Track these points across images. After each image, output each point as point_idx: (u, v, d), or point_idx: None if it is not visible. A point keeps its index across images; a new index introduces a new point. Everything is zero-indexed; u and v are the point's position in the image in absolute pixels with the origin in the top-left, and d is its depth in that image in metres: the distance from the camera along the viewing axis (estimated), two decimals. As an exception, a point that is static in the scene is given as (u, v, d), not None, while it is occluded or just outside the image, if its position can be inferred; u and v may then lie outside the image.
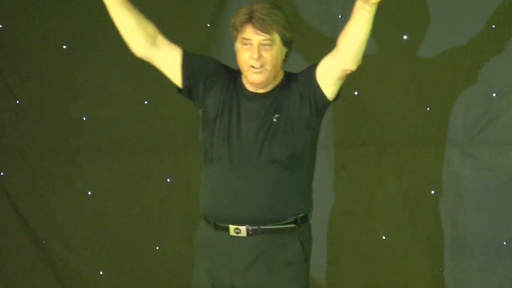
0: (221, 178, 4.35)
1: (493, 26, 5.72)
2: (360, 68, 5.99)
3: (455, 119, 5.84)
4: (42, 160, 6.25)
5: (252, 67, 4.30)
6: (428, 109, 5.80)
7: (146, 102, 6.09)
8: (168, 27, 5.77)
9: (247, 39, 4.29)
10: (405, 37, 5.79)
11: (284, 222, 4.33)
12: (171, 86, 5.67)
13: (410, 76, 5.86)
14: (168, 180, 6.16)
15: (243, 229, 4.27)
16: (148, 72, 6.01)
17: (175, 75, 4.42)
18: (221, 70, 4.47)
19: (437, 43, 5.80)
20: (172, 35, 5.36)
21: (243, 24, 4.29)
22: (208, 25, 5.97)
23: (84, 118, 6.14)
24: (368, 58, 5.77)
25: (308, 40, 6.21)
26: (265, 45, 4.28)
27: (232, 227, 4.28)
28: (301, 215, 4.34)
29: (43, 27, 6.20)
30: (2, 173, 6.22)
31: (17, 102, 6.19)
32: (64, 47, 6.10)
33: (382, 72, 5.88)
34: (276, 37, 4.28)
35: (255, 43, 4.28)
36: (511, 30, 5.81)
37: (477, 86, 5.76)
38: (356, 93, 5.85)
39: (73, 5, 6.19)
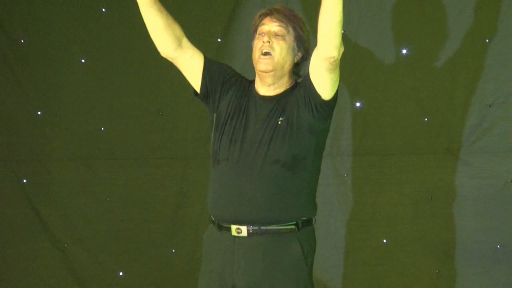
0: (227, 178, 4.36)
1: (487, 40, 5.78)
2: (362, 81, 6.06)
3: (452, 129, 5.87)
4: (61, 168, 6.33)
5: (262, 54, 4.33)
6: (426, 119, 5.85)
7: (160, 113, 6.18)
8: None
9: (263, 24, 4.36)
10: (404, 51, 5.87)
11: (284, 224, 4.33)
12: (183, 98, 5.88)
13: (409, 89, 5.92)
14: (182, 187, 6.21)
15: (244, 229, 4.28)
16: (161, 85, 6.34)
17: (196, 79, 4.44)
18: (236, 77, 4.50)
19: (435, 57, 5.86)
20: None
21: (262, 17, 4.38)
22: (219, 40, 6.07)
23: (102, 129, 6.24)
24: (369, 71, 6.03)
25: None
26: (278, 34, 4.32)
27: (233, 227, 4.29)
28: (303, 218, 4.34)
29: (62, 42, 6.29)
30: (24, 181, 6.31)
31: (38, 113, 6.30)
32: (83, 61, 6.22)
33: (383, 84, 5.94)
34: (290, 30, 4.34)
35: (269, 29, 4.36)
36: (504, 44, 5.82)
37: (473, 98, 5.81)
38: (358, 104, 5.91)
39: (90, 21, 6.29)
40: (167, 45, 4.34)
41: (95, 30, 6.33)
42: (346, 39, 6.19)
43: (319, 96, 4.29)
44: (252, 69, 4.39)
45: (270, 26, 4.29)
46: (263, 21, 4.33)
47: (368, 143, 5.94)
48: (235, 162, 4.33)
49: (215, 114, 4.48)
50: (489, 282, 5.92)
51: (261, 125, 4.34)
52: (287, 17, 4.32)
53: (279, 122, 4.30)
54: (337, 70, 4.40)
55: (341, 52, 4.30)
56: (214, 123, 4.49)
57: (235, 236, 4.27)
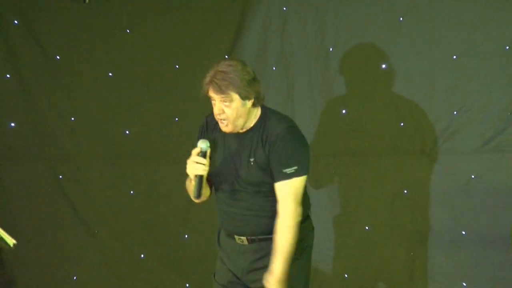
0: (221, 204, 4.79)
1: (454, 57, 6.09)
2: (348, 91, 6.27)
3: (425, 133, 6.21)
4: (92, 166, 6.67)
5: (220, 120, 4.61)
6: (402, 124, 6.19)
7: (176, 119, 6.51)
8: (192, 57, 6.44)
9: (210, 96, 4.61)
10: (383, 66, 6.21)
11: (271, 234, 4.66)
12: (195, 107, 6.11)
13: (388, 98, 6.24)
14: None
15: (244, 239, 4.71)
16: (176, 95, 6.59)
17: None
18: (204, 123, 4.88)
19: (410, 71, 6.21)
20: (195, 64, 6.31)
21: (207, 85, 4.61)
22: (226, 56, 6.38)
23: (127, 132, 6.56)
24: (354, 83, 6.33)
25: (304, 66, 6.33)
26: (224, 101, 4.57)
27: (236, 237, 4.73)
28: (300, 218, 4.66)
29: (92, 58, 6.60)
30: (60, 176, 6.63)
31: (72, 119, 6.62)
32: (110, 74, 6.55)
33: (365, 95, 6.26)
34: (234, 95, 4.58)
35: (217, 101, 4.59)
36: (469, 61, 6.13)
37: (442, 106, 6.16)
38: (344, 111, 6.22)
39: (117, 40, 6.58)
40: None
41: (120, 48, 6.58)
42: (334, 55, 6.42)
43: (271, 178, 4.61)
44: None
45: (215, 98, 4.59)
46: (209, 90, 4.62)
47: (353, 145, 6.23)
48: (224, 192, 4.75)
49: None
50: (456, 263, 6.22)
51: (235, 160, 4.70)
52: (225, 87, 4.57)
53: (252, 163, 4.63)
54: None
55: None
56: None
57: (238, 244, 4.74)
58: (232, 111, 4.61)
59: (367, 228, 6.26)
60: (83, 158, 6.72)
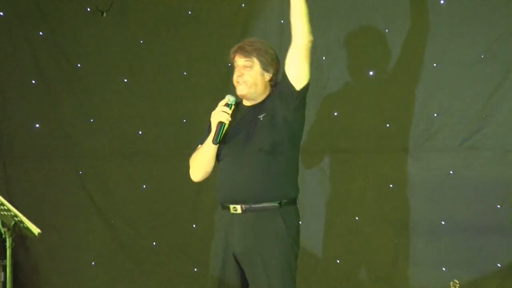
0: (225, 169, 4.72)
1: (435, 64, 6.21)
2: (339, 96, 6.34)
3: (407, 133, 6.31)
4: (109, 162, 6.88)
5: (238, 82, 4.70)
6: (388, 125, 6.32)
7: (184, 120, 6.71)
8: (199, 65, 6.68)
9: (235, 61, 4.74)
10: (371, 73, 6.34)
11: (269, 202, 4.61)
12: (201, 110, 6.08)
13: (375, 102, 6.37)
14: None
15: (238, 207, 4.62)
16: (185, 99, 6.79)
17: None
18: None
19: (394, 78, 6.34)
20: (202, 72, 6.63)
21: (233, 54, 4.75)
22: (229, 65, 5.92)
23: (140, 132, 6.79)
24: (344, 88, 6.44)
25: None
26: (246, 66, 4.68)
27: (231, 206, 4.65)
28: (285, 200, 4.65)
29: (109, 66, 6.83)
30: (80, 172, 6.87)
31: (91, 120, 6.86)
32: (125, 80, 6.80)
33: (354, 98, 6.40)
34: (255, 61, 4.70)
35: (239, 64, 4.70)
36: (448, 69, 6.20)
37: (423, 109, 6.26)
38: (336, 113, 6.38)
39: (132, 51, 6.80)
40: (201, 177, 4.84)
41: (135, 56, 6.79)
42: (326, 64, 6.55)
43: (292, 87, 4.58)
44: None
45: (239, 61, 4.72)
46: (234, 58, 4.76)
47: (343, 143, 6.35)
48: (229, 156, 4.69)
49: None
50: (436, 250, 6.27)
51: (245, 124, 4.70)
52: (249, 52, 4.69)
53: (261, 118, 4.65)
54: (309, 60, 4.64)
55: (311, 39, 4.56)
56: None
57: (233, 213, 4.64)
58: (251, 76, 4.69)
59: (356, 218, 6.38)
60: (101, 156, 6.93)
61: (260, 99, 4.76)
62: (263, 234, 4.61)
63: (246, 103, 4.74)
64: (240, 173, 4.65)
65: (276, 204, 4.59)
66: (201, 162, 4.79)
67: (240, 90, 4.70)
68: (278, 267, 4.62)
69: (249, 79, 4.69)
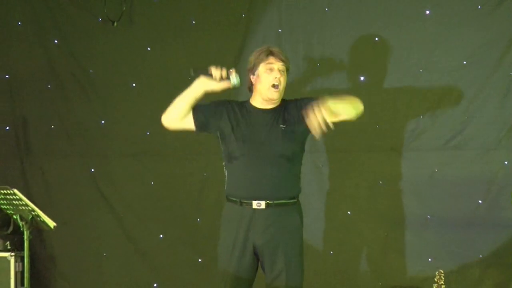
0: (243, 169, 4.76)
1: (420, 70, 6.32)
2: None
3: (396, 133, 6.43)
4: (119, 161, 6.94)
5: (273, 86, 4.68)
6: (378, 126, 6.42)
7: None
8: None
9: (271, 63, 4.71)
10: (362, 78, 6.45)
11: (289, 199, 4.77)
12: None
13: (366, 105, 5.53)
14: (204, 174, 6.77)
15: (262, 203, 4.73)
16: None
17: (191, 126, 4.92)
18: (224, 103, 4.85)
19: (383, 83, 6.43)
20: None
21: (267, 55, 4.72)
22: (230, 70, 5.77)
23: (148, 133, 6.83)
24: (337, 92, 6.00)
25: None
26: (282, 70, 4.74)
27: (254, 202, 4.73)
28: (298, 193, 4.84)
29: (119, 71, 6.89)
30: (92, 169, 6.93)
31: (102, 122, 6.95)
32: (134, 85, 6.87)
33: None
34: (288, 66, 4.79)
35: (276, 68, 4.71)
36: (432, 75, 6.30)
37: (410, 111, 6.37)
38: None
39: (139, 57, 6.85)
40: (178, 121, 4.93)
41: (142, 62, 6.86)
42: (320, 69, 6.60)
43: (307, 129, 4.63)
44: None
45: (277, 64, 4.72)
46: (270, 60, 4.73)
47: (338, 143, 6.41)
48: (251, 155, 4.74)
49: (218, 132, 4.86)
50: (423, 242, 6.36)
51: (265, 128, 4.75)
52: (285, 56, 4.76)
53: (282, 128, 4.75)
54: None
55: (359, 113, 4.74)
56: (220, 137, 4.86)
57: (255, 209, 4.73)
58: (283, 82, 4.75)
59: (349, 212, 6.47)
60: (112, 155, 6.98)
61: (275, 104, 4.82)
62: (284, 226, 4.77)
63: (257, 104, 4.78)
64: (263, 173, 4.74)
65: (294, 201, 4.81)
66: (182, 103, 4.87)
67: (276, 95, 4.73)
68: (295, 254, 4.80)
69: (284, 83, 4.76)
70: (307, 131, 4.70)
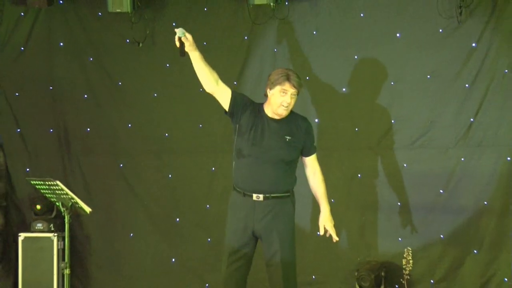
0: (249, 167, 4.97)
1: (392, 82, 6.52)
2: (320, 107, 6.49)
3: (371, 135, 6.65)
4: (143, 157, 7.10)
5: (283, 106, 4.89)
6: (356, 129, 6.67)
7: (200, 126, 6.94)
8: None
9: (286, 89, 4.88)
10: (344, 89, 6.66)
11: (284, 193, 5.00)
12: (214, 118, 6.62)
13: (346, 112, 6.69)
14: (213, 169, 6.91)
15: (261, 196, 4.96)
16: (201, 109, 6.84)
17: (225, 104, 4.95)
18: (251, 102, 5.02)
19: (361, 93, 6.66)
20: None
21: (284, 80, 4.88)
22: (235, 83, 6.81)
23: (166, 134, 7.04)
24: (324, 101, 6.63)
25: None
26: (293, 94, 4.93)
27: (254, 195, 4.96)
28: (292, 187, 5.06)
29: (142, 83, 7.05)
30: (121, 165, 7.09)
31: (129, 125, 7.12)
32: (155, 94, 7.04)
33: (331, 109, 6.73)
34: (297, 92, 4.98)
35: (289, 93, 4.89)
36: (404, 85, 6.47)
37: (383, 117, 6.58)
38: (316, 120, 6.67)
39: (160, 71, 6.98)
40: (209, 84, 4.92)
41: (162, 76, 7.01)
42: (310, 83, 6.63)
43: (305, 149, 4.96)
44: (255, 99, 5.07)
45: (291, 90, 4.90)
46: (285, 84, 4.88)
47: (323, 143, 6.47)
48: (256, 157, 4.93)
49: (237, 125, 4.99)
50: (394, 225, 6.60)
51: (274, 136, 4.95)
52: (299, 85, 4.92)
53: (287, 140, 4.96)
54: None
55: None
56: (237, 130, 4.98)
57: (255, 200, 4.96)
58: (293, 103, 4.94)
59: (332, 200, 6.25)
60: (137, 152, 7.13)
61: (283, 116, 5.00)
62: (279, 214, 5.01)
63: (269, 113, 4.96)
64: (264, 172, 4.96)
65: (288, 194, 5.07)
66: (197, 69, 4.92)
67: (285, 113, 4.95)
68: (287, 236, 5.01)
69: (292, 104, 4.97)
70: (304, 144, 5.02)
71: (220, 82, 4.94)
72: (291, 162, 5.02)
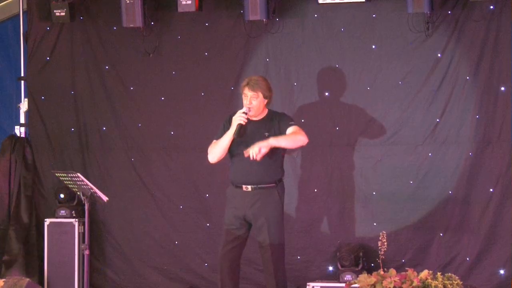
0: (239, 162, 5.32)
1: (368, 88, 6.59)
2: (305, 109, 6.62)
3: (351, 133, 6.77)
4: (153, 153, 7.17)
5: (247, 107, 5.24)
6: (337, 128, 6.78)
7: (202, 125, 6.95)
8: (212, 88, 6.92)
9: (245, 93, 5.27)
10: (327, 93, 6.80)
11: (269, 183, 5.31)
12: (216, 118, 6.46)
13: (329, 114, 6.83)
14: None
15: (249, 187, 5.32)
16: (204, 111, 6.98)
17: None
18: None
19: (342, 97, 6.78)
20: (215, 92, 6.87)
21: (243, 86, 5.29)
22: (232, 88, 6.92)
23: (172, 132, 7.14)
24: (308, 104, 6.77)
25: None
26: (253, 97, 5.23)
27: (244, 186, 5.33)
28: (278, 178, 5.36)
29: (152, 88, 7.14)
30: (132, 159, 7.18)
31: (139, 125, 7.21)
32: (162, 98, 7.08)
33: (315, 111, 6.84)
34: (259, 93, 5.25)
35: (249, 96, 5.24)
36: (377, 90, 6.58)
37: (360, 117, 6.66)
38: (303, 120, 6.69)
39: (168, 78, 7.03)
40: (219, 159, 5.34)
41: (169, 83, 7.10)
42: (297, 88, 6.77)
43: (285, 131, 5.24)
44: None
45: (249, 93, 5.27)
46: (245, 89, 5.30)
47: (311, 140, 6.01)
48: (242, 155, 5.25)
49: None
50: (369, 211, 6.70)
51: (255, 135, 5.24)
52: (256, 88, 5.24)
53: (266, 135, 5.26)
54: None
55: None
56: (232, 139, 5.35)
57: (244, 191, 5.31)
58: (256, 103, 5.23)
59: (315, 190, 6.80)
60: (146, 148, 7.22)
61: (261, 116, 5.33)
62: (266, 202, 5.31)
63: (252, 117, 5.35)
64: (251, 167, 5.26)
65: (274, 184, 5.38)
66: (219, 149, 5.30)
67: (250, 113, 5.27)
68: (275, 221, 5.30)
69: (256, 106, 5.27)
70: (279, 130, 5.22)
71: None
72: (273, 156, 5.23)
